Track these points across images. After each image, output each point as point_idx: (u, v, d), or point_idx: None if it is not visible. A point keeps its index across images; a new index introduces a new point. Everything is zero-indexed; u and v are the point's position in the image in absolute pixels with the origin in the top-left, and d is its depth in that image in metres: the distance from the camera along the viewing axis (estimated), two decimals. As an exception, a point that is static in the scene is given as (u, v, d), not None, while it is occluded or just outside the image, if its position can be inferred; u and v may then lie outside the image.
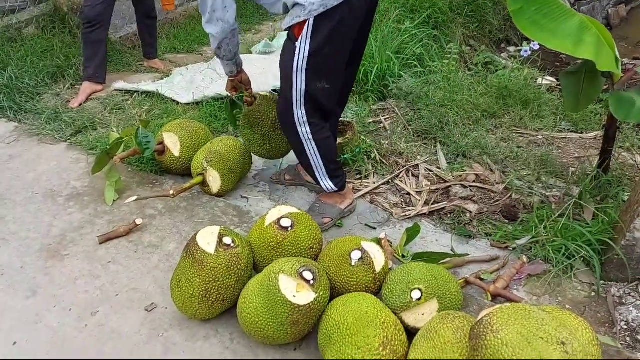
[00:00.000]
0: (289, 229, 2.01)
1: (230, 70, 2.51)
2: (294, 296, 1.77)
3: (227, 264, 1.93)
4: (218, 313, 2.04)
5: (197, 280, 1.93)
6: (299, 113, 2.26)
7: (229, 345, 1.99)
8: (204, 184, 2.68)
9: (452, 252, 2.38)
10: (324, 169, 2.41)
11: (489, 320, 1.47)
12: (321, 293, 1.82)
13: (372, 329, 1.69)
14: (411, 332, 1.83)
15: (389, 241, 2.40)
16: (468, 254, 2.35)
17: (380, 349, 1.65)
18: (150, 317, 2.13)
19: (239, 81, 2.60)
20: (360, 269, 1.92)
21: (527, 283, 2.20)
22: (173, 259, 2.39)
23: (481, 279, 2.22)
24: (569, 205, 2.34)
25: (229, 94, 2.69)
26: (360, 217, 2.64)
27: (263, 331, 1.84)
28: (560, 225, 2.28)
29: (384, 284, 1.94)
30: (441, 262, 2.27)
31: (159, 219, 2.64)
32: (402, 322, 1.84)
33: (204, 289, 1.92)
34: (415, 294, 1.83)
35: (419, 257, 2.27)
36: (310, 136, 2.32)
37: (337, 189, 2.48)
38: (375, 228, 2.59)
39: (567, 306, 2.09)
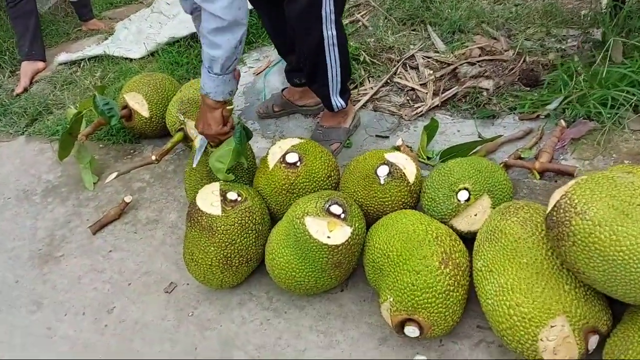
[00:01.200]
0: (298, 163, 1.72)
1: (231, 90, 1.77)
2: (328, 237, 1.51)
3: (240, 221, 1.66)
4: (246, 275, 1.80)
5: (212, 248, 1.66)
6: (328, 9, 1.84)
7: (268, 306, 1.76)
8: (186, 139, 2.35)
9: (480, 139, 2.11)
10: (339, 84, 2.05)
11: (569, 202, 1.22)
12: (357, 224, 1.56)
13: (425, 247, 1.44)
14: (466, 238, 1.59)
15: (408, 146, 2.11)
16: (499, 135, 2.07)
17: (442, 267, 1.41)
18: (172, 298, 1.89)
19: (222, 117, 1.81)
20: (392, 185, 1.64)
21: (574, 149, 1.94)
22: (179, 230, 2.12)
23: (521, 158, 1.96)
24: (594, 49, 2.03)
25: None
26: (368, 129, 2.35)
27: (303, 283, 1.60)
28: (594, 74, 1.99)
29: (421, 194, 1.68)
30: (472, 152, 2.00)
31: (150, 190, 2.35)
32: (454, 229, 1.59)
33: (222, 255, 1.66)
34: (462, 195, 1.57)
35: (447, 154, 2.00)
36: (335, 40, 1.92)
37: (345, 106, 2.15)
38: (387, 137, 2.30)
39: (626, 161, 1.84)
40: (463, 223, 1.59)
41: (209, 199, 1.69)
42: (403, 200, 1.66)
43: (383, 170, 1.65)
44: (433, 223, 1.53)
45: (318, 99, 2.31)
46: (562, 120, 1.99)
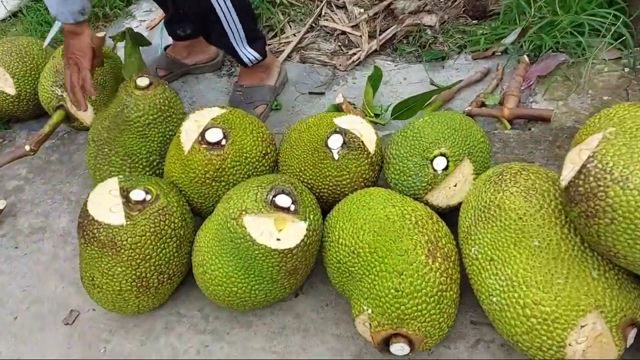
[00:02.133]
0: (223, 142, 1.30)
1: (81, 9, 1.40)
2: (278, 239, 1.13)
3: (153, 229, 1.24)
4: (170, 293, 1.39)
5: (119, 269, 1.24)
6: None
7: (204, 328, 1.38)
8: (69, 119, 1.85)
9: (435, 87, 1.78)
10: (241, 31, 1.63)
11: (601, 166, 0.91)
12: (312, 216, 1.19)
13: (405, 238, 1.11)
14: (443, 214, 1.28)
15: (351, 103, 1.75)
16: (459, 81, 1.75)
17: (430, 261, 1.09)
18: (76, 331, 1.46)
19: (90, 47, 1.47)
20: (349, 158, 1.28)
21: (544, 88, 1.66)
22: (73, 238, 1.65)
23: (484, 105, 1.66)
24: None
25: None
26: (298, 85, 1.95)
27: (249, 299, 1.23)
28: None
29: (385, 165, 1.33)
30: (426, 104, 1.67)
31: (30, 190, 1.84)
32: (430, 206, 1.27)
33: (135, 276, 1.24)
34: (439, 163, 1.24)
35: (399, 109, 1.65)
36: None
37: (260, 57, 1.73)
38: (323, 93, 1.92)
39: (605, 97, 1.58)
40: (440, 197, 1.26)
41: (105, 203, 1.25)
42: (364, 176, 1.30)
43: (336, 141, 1.27)
44: (407, 203, 1.20)
45: (211, 53, 1.90)
46: (524, 56, 1.70)
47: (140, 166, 1.49)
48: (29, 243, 1.69)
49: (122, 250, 1.22)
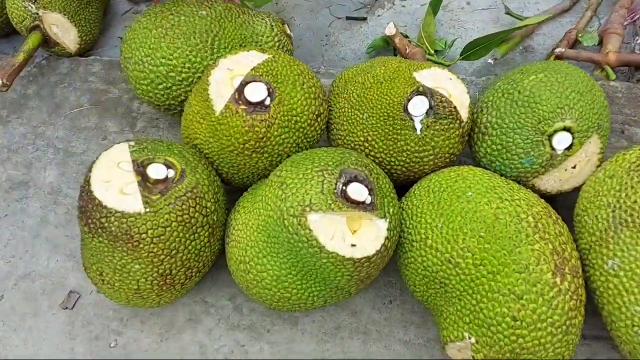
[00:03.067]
0: (267, 101, 0.97)
1: None
2: (353, 245, 0.85)
3: (180, 218, 0.94)
4: (193, 286, 1.12)
5: (136, 266, 0.95)
6: None
7: (238, 321, 1.14)
8: (47, 43, 1.47)
9: (511, 16, 1.43)
10: None
11: None
12: (391, 210, 0.90)
13: (525, 249, 0.84)
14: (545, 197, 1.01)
15: (403, 35, 1.40)
16: (545, 17, 1.40)
17: (558, 280, 0.83)
18: (78, 318, 1.20)
19: None
20: (436, 129, 0.97)
21: (652, 27, 1.33)
22: (65, 197, 1.35)
23: (575, 43, 1.33)
24: None
25: None
26: (332, 7, 1.57)
27: (305, 305, 0.97)
28: None
29: (475, 135, 1.02)
30: (502, 41, 1.34)
31: (4, 132, 1.50)
32: (535, 190, 0.99)
33: (156, 274, 0.97)
34: (562, 141, 0.94)
35: (471, 48, 1.32)
36: None
37: None
38: (364, 18, 1.55)
39: None
40: (551, 181, 0.98)
41: (115, 181, 0.94)
42: (451, 151, 1.00)
43: (419, 106, 0.95)
44: (517, 193, 0.91)
45: None
46: (629, -19, 1.35)
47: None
48: (9, 201, 1.38)
49: (141, 245, 0.92)
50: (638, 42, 1.29)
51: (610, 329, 0.88)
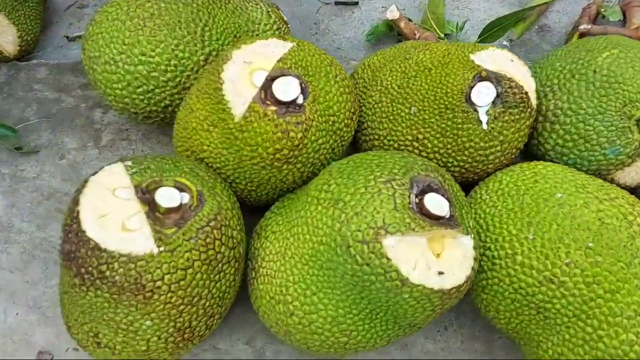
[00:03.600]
0: (300, 99, 0.77)
1: None
2: (441, 273, 0.67)
3: (204, 256, 0.72)
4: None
5: (147, 323, 0.73)
6: None
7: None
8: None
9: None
10: None
11: None
12: (471, 222, 0.74)
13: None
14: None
15: (407, 19, 1.24)
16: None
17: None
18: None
19: None
20: (505, 120, 0.80)
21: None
22: (18, 234, 1.09)
23: (598, 17, 1.22)
24: None
25: None
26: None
27: (364, 348, 0.78)
28: None
29: (542, 124, 0.87)
30: (518, 21, 1.21)
31: None
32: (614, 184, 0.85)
33: (172, 329, 0.75)
34: (653, 125, 0.80)
35: (488, 30, 1.17)
36: None
37: None
38: (356, 3, 1.38)
39: None
40: (633, 173, 0.85)
41: (113, 215, 0.71)
42: (518, 146, 0.84)
43: (485, 94, 0.79)
44: (610, 189, 0.77)
45: None
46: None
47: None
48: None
49: (155, 296, 0.70)
50: (664, 15, 1.20)
51: None
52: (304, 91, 0.76)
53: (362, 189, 0.69)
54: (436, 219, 0.68)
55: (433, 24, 1.23)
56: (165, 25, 0.94)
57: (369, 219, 0.66)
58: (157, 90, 0.96)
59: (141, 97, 0.97)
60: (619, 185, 0.85)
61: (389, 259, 0.64)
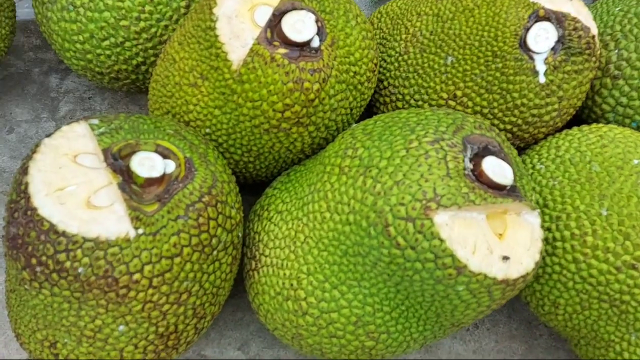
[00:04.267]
0: (316, 41, 0.61)
1: None
2: (506, 257, 0.52)
3: (195, 240, 0.56)
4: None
5: (122, 328, 0.56)
6: None
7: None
8: None
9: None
10: None
11: None
12: (534, 196, 0.59)
13: None
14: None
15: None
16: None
17: None
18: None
19: None
20: (567, 71, 0.66)
21: None
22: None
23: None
24: None
25: None
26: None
27: (395, 352, 0.63)
28: None
29: (600, 80, 0.73)
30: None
31: None
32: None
33: (153, 335, 0.59)
34: None
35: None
36: None
37: None
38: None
39: None
40: None
41: (75, 189, 0.54)
42: (577, 105, 0.70)
43: (543, 37, 0.64)
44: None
45: None
46: None
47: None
48: None
49: (132, 293, 0.54)
50: None
51: None
52: (320, 31, 0.60)
53: (403, 151, 0.53)
54: (499, 189, 0.53)
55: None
56: (138, -39, 0.77)
57: (415, 189, 0.50)
58: (127, 44, 0.79)
59: (108, 52, 0.79)
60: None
61: (442, 241, 0.49)
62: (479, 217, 0.51)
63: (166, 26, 0.79)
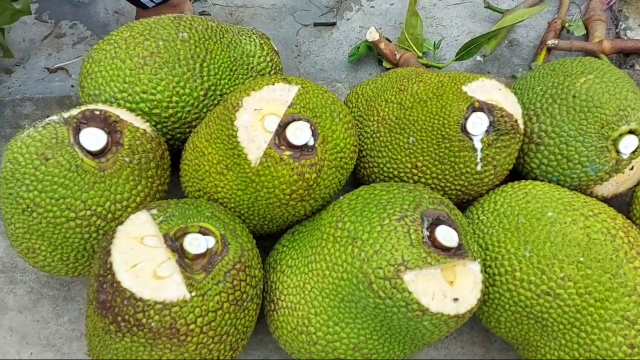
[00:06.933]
0: (312, 142, 0.82)
1: None
2: (455, 299, 0.74)
3: (232, 297, 0.77)
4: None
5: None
6: None
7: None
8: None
9: (491, 10, 1.37)
10: None
11: None
12: (475, 247, 0.81)
13: (627, 269, 0.79)
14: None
15: (386, 39, 1.30)
16: (541, 6, 1.36)
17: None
18: None
19: None
20: (498, 147, 0.88)
21: (630, 10, 1.34)
22: (23, 273, 1.10)
23: (566, 30, 1.31)
24: None
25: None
26: (297, 14, 1.43)
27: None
28: None
29: (528, 146, 0.95)
30: (490, 38, 1.29)
31: None
32: (593, 197, 0.94)
33: (207, 366, 0.79)
34: (628, 145, 0.89)
35: (464, 48, 1.25)
36: None
37: None
38: (334, 23, 1.42)
39: None
40: (609, 186, 0.94)
41: (144, 264, 0.75)
42: (510, 168, 0.92)
43: (479, 124, 0.86)
44: (593, 205, 0.86)
45: None
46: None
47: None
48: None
49: (189, 338, 0.75)
50: (622, 27, 1.30)
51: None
52: (314, 133, 0.82)
53: (378, 227, 0.75)
54: (447, 250, 0.75)
55: (411, 43, 1.29)
56: (165, 63, 0.97)
57: (389, 257, 0.72)
58: (158, 126, 0.99)
59: (142, 134, 0.99)
60: (596, 197, 0.94)
61: (410, 293, 0.71)
62: (435, 272, 0.73)
63: (189, 110, 0.99)
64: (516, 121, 0.87)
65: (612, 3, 1.33)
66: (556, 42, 1.23)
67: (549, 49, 1.25)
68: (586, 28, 1.29)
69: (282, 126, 0.80)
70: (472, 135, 0.86)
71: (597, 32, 1.26)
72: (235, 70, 1.04)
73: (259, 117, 0.82)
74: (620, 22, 1.31)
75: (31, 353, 1.04)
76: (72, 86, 1.37)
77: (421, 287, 0.71)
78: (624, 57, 1.27)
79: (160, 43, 0.99)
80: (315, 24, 1.41)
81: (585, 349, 0.78)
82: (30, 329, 1.06)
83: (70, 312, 1.06)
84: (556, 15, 1.33)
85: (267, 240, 1.00)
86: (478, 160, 0.87)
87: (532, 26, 1.38)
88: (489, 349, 1.00)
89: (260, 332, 1.01)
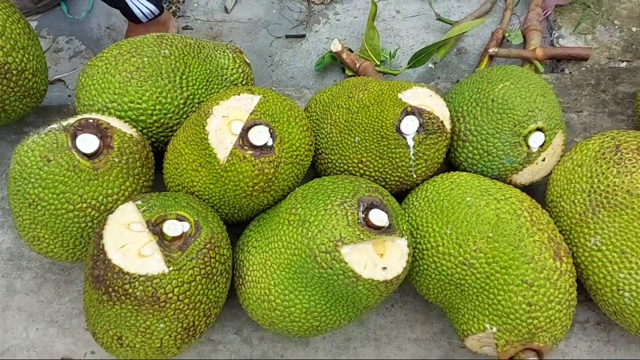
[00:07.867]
0: (270, 142, 0.99)
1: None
2: (384, 268, 0.91)
3: (203, 271, 0.94)
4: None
5: (161, 325, 0.94)
6: None
7: (250, 353, 1.16)
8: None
9: (442, 22, 1.54)
10: None
11: None
12: (404, 227, 0.98)
13: (528, 242, 0.95)
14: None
15: (349, 50, 1.47)
16: (478, 19, 1.53)
17: (558, 264, 0.95)
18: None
19: None
20: (427, 144, 1.05)
21: (564, 20, 1.51)
22: (29, 261, 1.27)
23: (506, 40, 1.48)
24: None
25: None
26: (270, 27, 1.59)
27: (330, 328, 1.02)
28: None
29: (456, 143, 1.12)
30: (440, 47, 1.45)
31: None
32: (512, 185, 1.11)
33: (180, 329, 0.96)
34: (536, 140, 1.06)
35: (416, 57, 1.41)
36: None
37: (157, 12, 1.40)
38: (303, 35, 1.59)
39: (634, 29, 1.48)
40: (525, 175, 1.11)
41: (130, 244, 0.92)
42: (439, 161, 1.09)
43: (410, 125, 1.03)
44: (506, 191, 1.02)
45: None
46: (537, -19, 1.52)
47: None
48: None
49: (168, 304, 0.92)
50: (555, 36, 1.47)
51: (594, 295, 1.03)
52: (272, 135, 0.98)
53: (322, 211, 0.92)
54: (379, 229, 0.92)
55: (370, 53, 1.46)
56: (149, 76, 1.14)
57: (330, 235, 0.89)
58: (144, 131, 1.16)
59: (130, 138, 1.16)
60: (516, 185, 1.11)
61: (346, 263, 0.88)
62: (367, 246, 0.90)
63: (170, 117, 1.16)
64: (442, 122, 1.04)
65: (548, 14, 1.50)
66: (496, 50, 1.40)
67: (491, 57, 1.41)
68: (524, 37, 1.46)
69: (245, 130, 0.97)
70: (405, 134, 1.02)
71: (533, 40, 1.42)
72: (211, 81, 1.21)
73: (227, 122, 0.98)
74: (554, 31, 1.48)
75: (37, 329, 1.21)
76: (69, 96, 1.53)
77: (355, 258, 0.88)
78: (555, 62, 1.44)
79: (145, 59, 1.15)
80: (287, 36, 1.57)
81: (493, 307, 0.95)
82: (35, 309, 1.22)
83: (70, 293, 1.23)
84: (499, 26, 1.50)
85: (238, 228, 1.16)
86: (411, 155, 1.04)
87: (478, 35, 1.54)
88: (428, 316, 1.17)
89: (234, 306, 1.18)
